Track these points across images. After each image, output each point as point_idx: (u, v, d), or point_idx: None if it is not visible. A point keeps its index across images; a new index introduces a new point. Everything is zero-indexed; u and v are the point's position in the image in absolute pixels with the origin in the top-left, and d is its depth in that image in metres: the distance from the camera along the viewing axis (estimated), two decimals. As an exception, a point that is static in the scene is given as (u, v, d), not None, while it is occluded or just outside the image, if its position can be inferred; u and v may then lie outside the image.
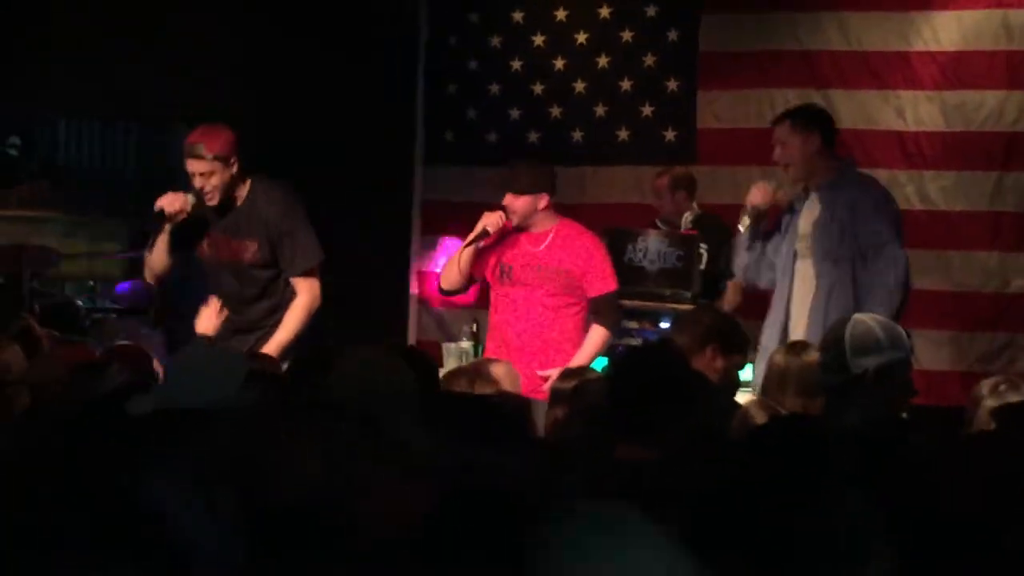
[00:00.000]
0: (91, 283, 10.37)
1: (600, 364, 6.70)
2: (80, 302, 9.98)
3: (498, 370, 5.15)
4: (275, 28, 8.93)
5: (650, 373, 3.99)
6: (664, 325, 6.91)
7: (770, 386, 4.86)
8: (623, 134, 8.82)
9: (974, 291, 8.06)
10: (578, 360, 6.37)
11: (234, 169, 6.33)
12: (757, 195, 6.32)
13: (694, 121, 8.62)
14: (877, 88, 8.23)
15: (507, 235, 6.61)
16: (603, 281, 6.55)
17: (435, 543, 2.33)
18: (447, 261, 6.68)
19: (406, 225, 9.23)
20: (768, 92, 8.44)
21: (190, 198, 6.35)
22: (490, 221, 6.53)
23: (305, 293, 6.40)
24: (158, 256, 6.46)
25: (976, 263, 8.06)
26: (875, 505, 2.82)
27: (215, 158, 6.27)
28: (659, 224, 7.72)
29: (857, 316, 4.36)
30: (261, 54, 8.79)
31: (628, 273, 7.07)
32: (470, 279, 6.67)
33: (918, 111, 8.15)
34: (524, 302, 6.54)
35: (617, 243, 7.23)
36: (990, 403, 4.51)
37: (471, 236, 6.56)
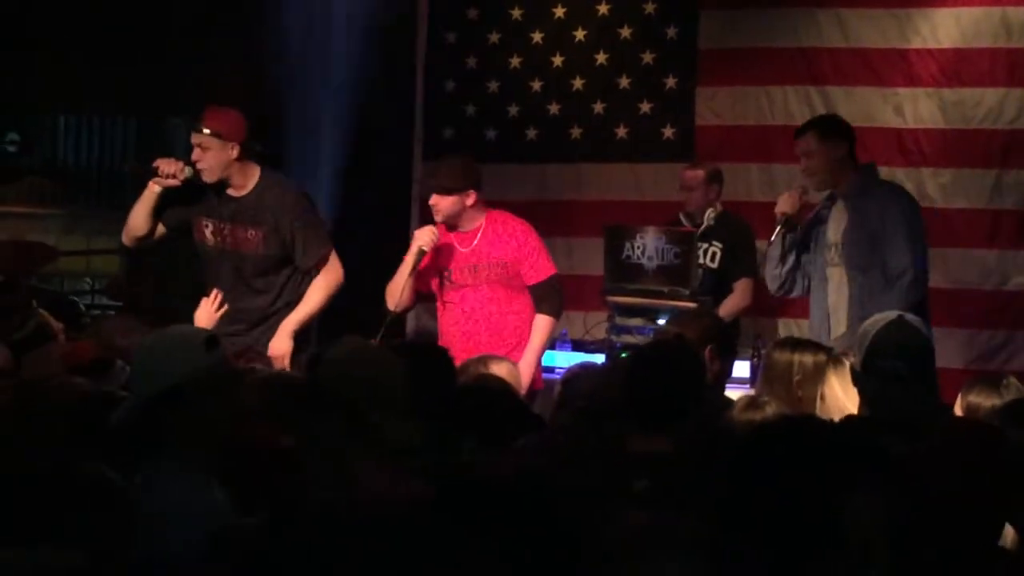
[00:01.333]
0: (88, 280, 10.39)
1: (550, 357, 6.78)
2: (77, 299, 10.00)
3: (500, 367, 5.16)
4: (274, 24, 8.92)
5: (671, 368, 4.03)
6: (662, 322, 6.90)
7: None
8: (621, 131, 8.81)
9: (973, 288, 8.06)
10: (528, 352, 6.36)
11: (233, 152, 6.28)
12: (786, 203, 6.37)
13: (693, 118, 8.62)
14: (876, 85, 8.22)
15: (443, 243, 6.51)
16: (538, 267, 6.51)
17: (435, 533, 2.33)
18: (390, 284, 6.57)
19: (405, 222, 9.22)
20: (767, 89, 8.44)
21: (187, 169, 6.32)
22: (424, 240, 6.44)
23: (328, 272, 6.39)
24: (138, 215, 6.41)
25: (975, 260, 8.05)
26: (880, 506, 2.83)
27: (212, 134, 6.26)
28: (683, 219, 7.71)
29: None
30: (259, 49, 8.78)
31: (626, 270, 7.07)
32: (415, 294, 6.61)
33: (917, 108, 8.15)
34: (468, 304, 6.51)
35: (615, 240, 7.22)
36: (970, 397, 4.56)
37: (409, 260, 6.46)
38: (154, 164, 6.35)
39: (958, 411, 4.54)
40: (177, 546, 2.94)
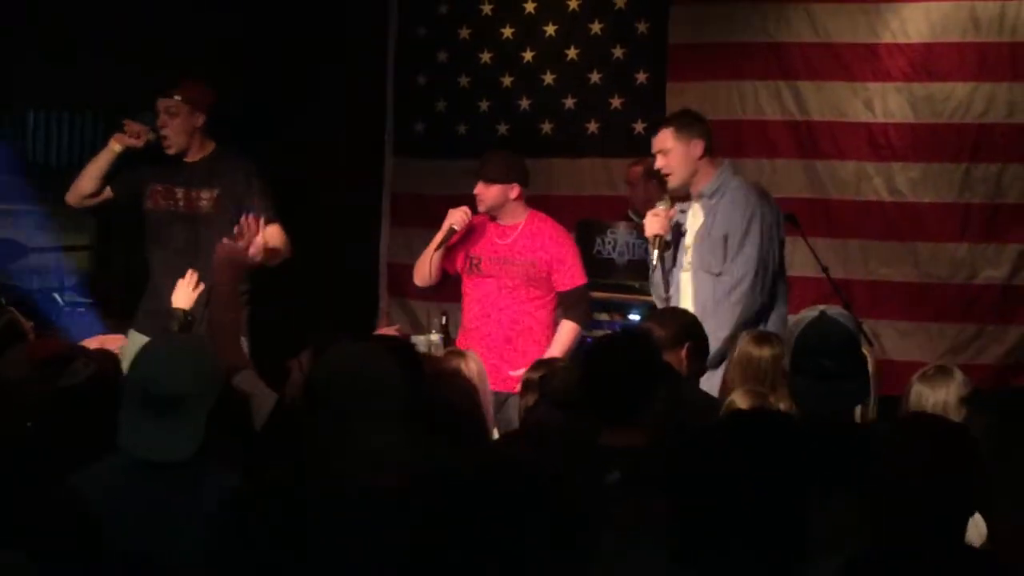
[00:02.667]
0: (59, 276, 10.34)
1: None
2: (56, 295, 9.96)
3: (466, 362, 5.15)
4: (245, 18, 8.90)
5: (623, 359, 4.02)
6: (633, 317, 6.91)
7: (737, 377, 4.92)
8: (592, 126, 8.82)
9: (943, 282, 8.09)
10: (551, 354, 6.35)
11: (198, 122, 6.39)
12: (655, 224, 6.04)
13: (663, 113, 8.59)
14: (846, 80, 8.24)
15: (476, 228, 6.58)
16: (572, 275, 6.52)
17: (422, 532, 2.34)
18: (419, 260, 6.64)
19: (376, 217, 9.23)
20: (738, 84, 8.46)
21: (151, 133, 6.38)
22: (456, 219, 6.50)
23: (281, 235, 6.37)
24: (90, 173, 6.44)
25: (945, 254, 8.08)
26: (851, 496, 2.84)
27: (183, 100, 6.36)
28: (631, 215, 7.72)
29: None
30: (230, 44, 8.76)
31: (597, 265, 7.08)
32: (443, 273, 6.65)
33: (887, 103, 8.18)
34: (493, 295, 6.52)
35: (586, 235, 7.24)
36: (918, 387, 4.58)
37: (439, 237, 6.52)
38: (124, 122, 6.40)
39: (906, 403, 4.57)
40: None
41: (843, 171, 8.24)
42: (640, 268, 6.93)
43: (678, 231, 6.11)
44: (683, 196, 6.10)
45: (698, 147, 6.03)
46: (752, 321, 5.83)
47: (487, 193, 6.51)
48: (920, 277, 8.10)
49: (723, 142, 8.30)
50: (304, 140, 8.85)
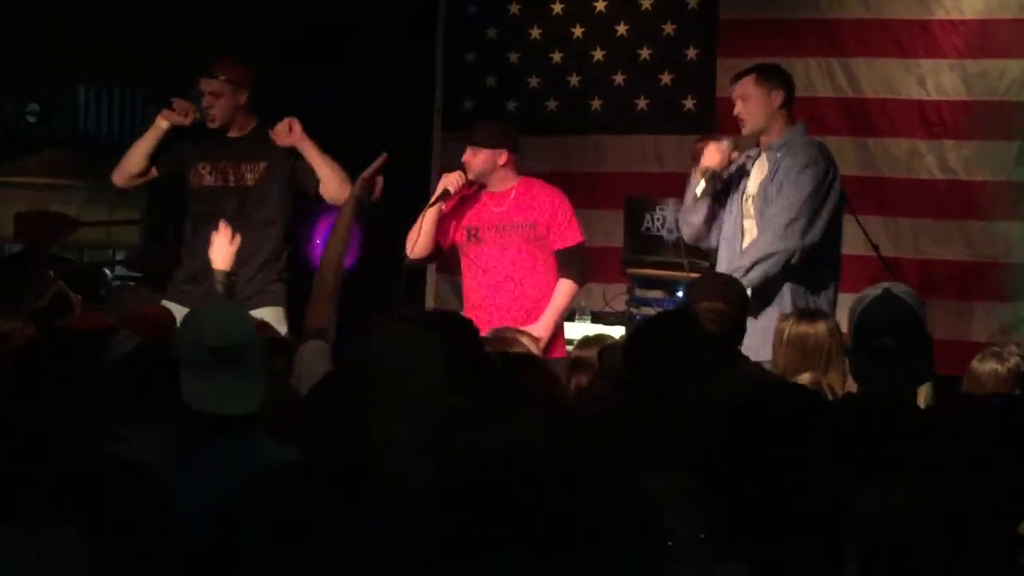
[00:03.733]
0: (109, 251, 10.42)
1: (580, 329, 6.72)
2: (107, 270, 10.04)
3: (521, 337, 5.15)
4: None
5: (668, 339, 4.01)
6: (681, 294, 6.89)
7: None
8: (642, 103, 8.78)
9: (995, 261, 8.02)
10: (548, 315, 6.33)
11: (242, 99, 6.47)
12: (715, 157, 6.08)
13: (713, 89, 8.58)
14: (898, 57, 8.17)
15: (469, 199, 6.54)
16: (568, 234, 6.48)
17: (458, 506, 2.33)
18: (411, 230, 6.59)
19: (425, 193, 9.21)
20: (788, 61, 8.33)
21: (196, 112, 6.46)
22: (450, 181, 6.48)
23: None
24: (139, 151, 6.49)
25: (997, 233, 8.01)
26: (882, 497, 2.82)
27: (227, 80, 6.43)
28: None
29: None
30: (281, 22, 8.77)
31: (646, 242, 7.07)
32: (437, 248, 6.61)
33: (940, 80, 8.10)
34: (493, 262, 6.47)
35: (635, 212, 7.22)
36: (976, 366, 4.54)
37: (433, 198, 6.50)
38: (172, 100, 6.48)
39: (965, 381, 4.53)
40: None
41: (895, 149, 8.18)
42: (689, 245, 6.91)
43: (739, 176, 6.11)
44: (753, 145, 6.11)
45: (778, 97, 6.06)
46: (790, 280, 5.82)
47: (475, 159, 6.48)
48: (972, 256, 8.03)
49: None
50: (353, 117, 8.85)
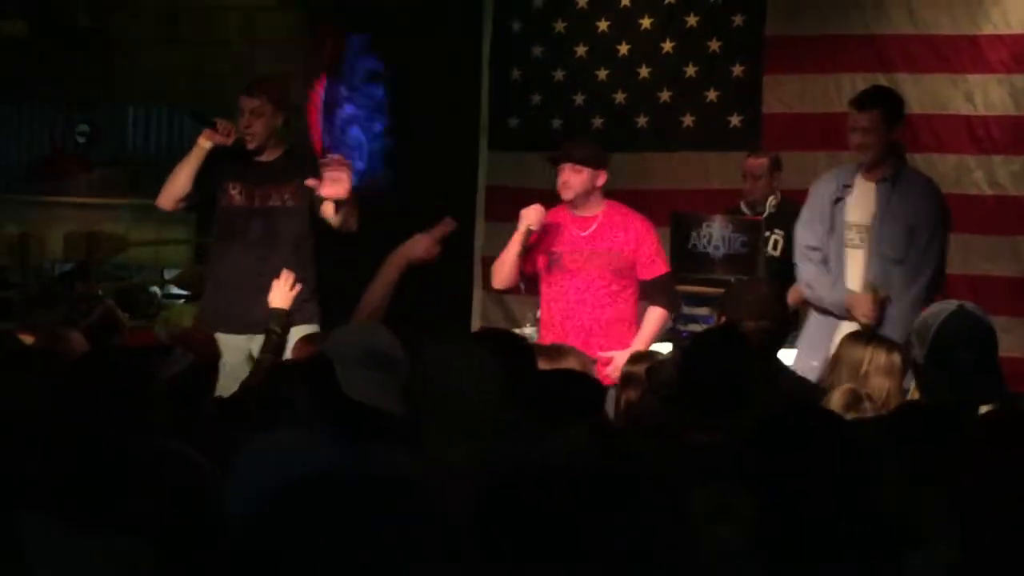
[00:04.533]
0: (158, 270, 10.48)
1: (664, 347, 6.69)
2: (155, 289, 10.10)
3: (574, 353, 5.14)
4: (339, 15, 8.95)
5: (719, 357, 3.99)
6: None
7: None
8: (688, 120, 8.77)
9: (1045, 277, 7.97)
10: (639, 342, 6.31)
11: (279, 121, 6.50)
12: (533, 216, 6.37)
13: (759, 106, 8.56)
14: (946, 72, 8.13)
15: (552, 223, 6.51)
16: (655, 264, 6.48)
17: (495, 523, 2.33)
18: (497, 262, 6.60)
19: (470, 211, 9.23)
20: (835, 77, 8.37)
21: (237, 131, 6.47)
22: (531, 219, 6.42)
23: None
24: (184, 173, 6.48)
25: (1048, 249, 7.96)
26: (932, 491, 2.80)
27: (268, 100, 6.45)
28: (744, 207, 7.68)
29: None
30: (326, 39, 8.81)
31: (693, 259, 7.04)
32: (521, 275, 6.61)
33: (988, 95, 8.06)
34: (576, 289, 6.45)
35: (682, 229, 7.19)
36: None
37: (517, 239, 6.47)
38: (212, 119, 6.49)
39: None
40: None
41: (943, 164, 8.13)
42: (736, 261, 6.90)
43: (836, 209, 6.19)
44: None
45: (897, 134, 6.22)
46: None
47: (577, 178, 6.43)
48: (1022, 272, 7.98)
49: (820, 135, 8.25)
50: (399, 135, 8.89)
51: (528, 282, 6.70)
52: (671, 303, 6.50)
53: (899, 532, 2.68)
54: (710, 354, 4.06)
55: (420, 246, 5.23)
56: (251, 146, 6.46)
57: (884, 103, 6.33)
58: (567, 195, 6.45)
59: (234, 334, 6.20)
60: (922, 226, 6.06)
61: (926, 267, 6.06)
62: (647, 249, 6.47)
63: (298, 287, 5.94)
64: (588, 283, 6.45)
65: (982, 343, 3.98)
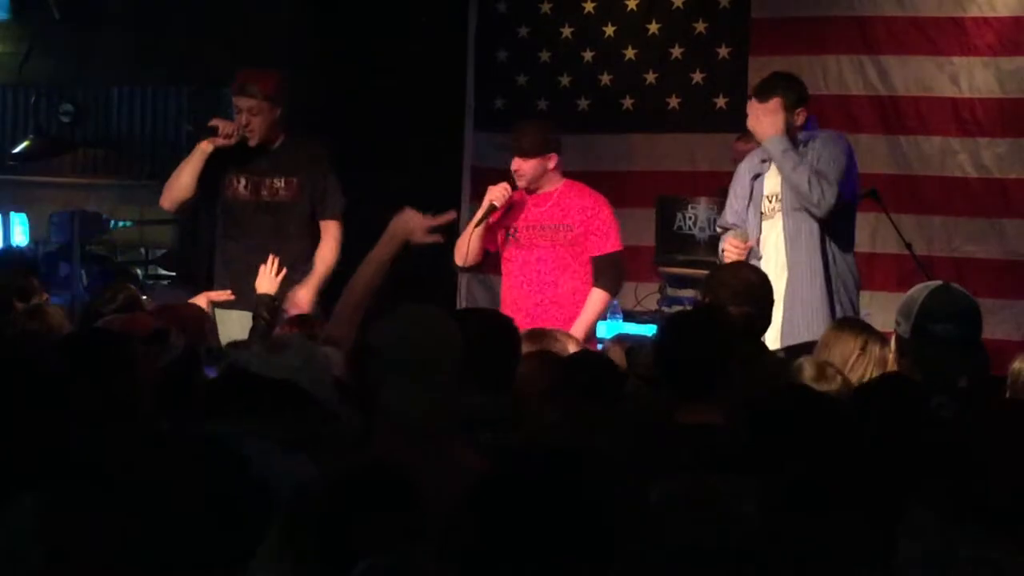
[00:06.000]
0: (142, 250, 10.45)
1: (612, 328, 6.69)
2: (138, 270, 10.08)
3: (560, 336, 5.14)
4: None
5: (698, 335, 3.99)
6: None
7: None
8: (673, 101, 8.77)
9: (1029, 259, 7.98)
10: (579, 324, 6.27)
11: (278, 113, 6.43)
12: (498, 193, 6.36)
13: (746, 88, 8.51)
14: (931, 54, 8.14)
15: (514, 202, 6.51)
16: (604, 240, 6.45)
17: (490, 502, 2.33)
18: (459, 240, 6.59)
19: (456, 192, 9.22)
20: (821, 59, 8.37)
21: (239, 131, 6.42)
22: (496, 195, 6.44)
23: (335, 236, 6.48)
24: (186, 176, 6.44)
25: (1031, 231, 7.97)
26: (910, 468, 2.80)
27: (265, 97, 6.39)
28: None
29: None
30: (311, 20, 8.79)
31: (677, 241, 7.06)
32: (483, 252, 6.61)
33: (973, 77, 8.07)
34: (532, 263, 6.46)
35: (666, 211, 7.22)
36: (1020, 366, 4.50)
37: (479, 214, 6.48)
38: (211, 123, 6.44)
39: (1010, 382, 4.51)
40: None
41: (928, 147, 8.14)
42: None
43: (752, 182, 6.10)
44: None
45: (801, 116, 6.02)
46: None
47: (525, 167, 6.45)
48: (1006, 254, 8.00)
49: (806, 117, 8.24)
50: (384, 116, 8.87)
51: (483, 261, 6.71)
52: (613, 285, 6.47)
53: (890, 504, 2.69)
54: (685, 333, 4.04)
55: (415, 222, 5.16)
56: (252, 143, 6.43)
57: (784, 91, 6.12)
58: (520, 183, 6.49)
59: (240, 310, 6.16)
60: (826, 169, 5.86)
61: (827, 180, 5.84)
62: (599, 224, 6.45)
63: (284, 272, 5.93)
64: (543, 258, 6.45)
65: (965, 316, 4.01)
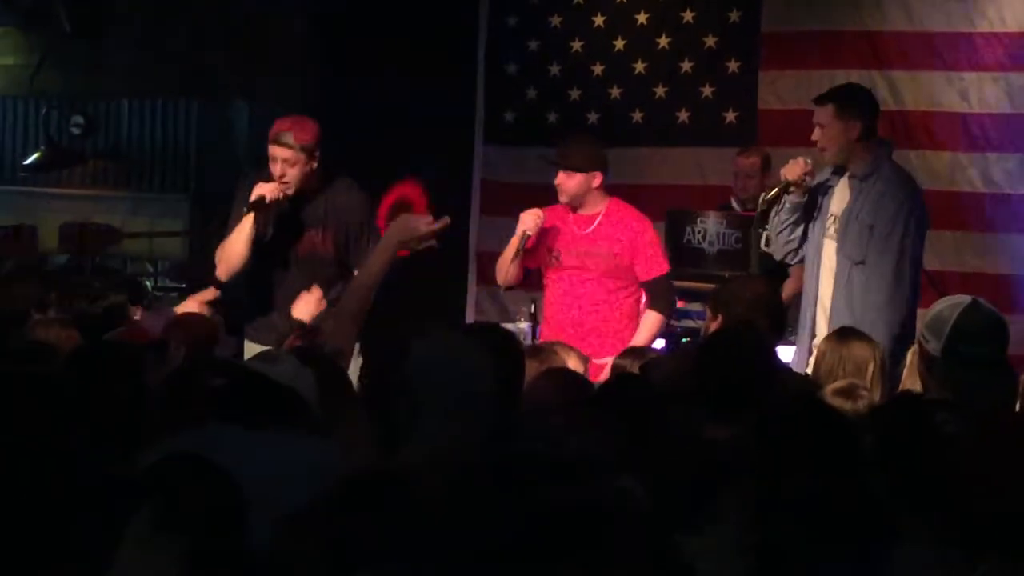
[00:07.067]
0: (151, 262, 10.47)
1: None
2: (147, 282, 10.09)
3: (568, 353, 5.13)
4: (337, 8, 8.95)
5: (741, 356, 3.98)
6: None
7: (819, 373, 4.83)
8: (683, 115, 8.78)
9: (1039, 275, 7.98)
10: (635, 345, 6.29)
11: (315, 163, 6.25)
12: (793, 170, 5.97)
13: (755, 102, 8.57)
14: (941, 69, 8.14)
15: (555, 219, 6.48)
16: (653, 264, 6.45)
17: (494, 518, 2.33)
18: (499, 262, 6.56)
19: (465, 205, 9.24)
20: (830, 73, 8.35)
21: (283, 192, 6.24)
22: (528, 224, 6.40)
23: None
24: (241, 247, 6.22)
25: (1041, 246, 7.97)
26: (907, 485, 2.80)
27: (302, 148, 6.19)
28: (735, 204, 7.67)
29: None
30: (320, 33, 8.81)
31: (687, 254, 7.05)
32: (523, 271, 6.59)
33: (982, 92, 8.07)
34: (575, 286, 6.45)
35: (676, 225, 7.20)
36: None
37: (514, 244, 6.43)
38: (256, 194, 6.19)
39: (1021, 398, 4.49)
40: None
41: (937, 162, 8.14)
42: (730, 257, 6.90)
43: (824, 193, 6.04)
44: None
45: (855, 129, 5.94)
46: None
47: (570, 183, 6.41)
48: (1016, 269, 7.99)
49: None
50: (394, 128, 8.89)
51: (524, 277, 6.68)
52: (667, 306, 6.47)
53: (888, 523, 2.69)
54: (729, 351, 4.03)
55: (411, 230, 5.11)
56: (288, 192, 6.22)
57: (836, 98, 6.08)
58: (562, 199, 6.45)
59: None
60: (879, 225, 5.86)
61: (882, 267, 5.80)
62: (644, 250, 6.44)
63: (323, 305, 5.78)
64: (586, 282, 6.44)
65: (996, 337, 3.98)
